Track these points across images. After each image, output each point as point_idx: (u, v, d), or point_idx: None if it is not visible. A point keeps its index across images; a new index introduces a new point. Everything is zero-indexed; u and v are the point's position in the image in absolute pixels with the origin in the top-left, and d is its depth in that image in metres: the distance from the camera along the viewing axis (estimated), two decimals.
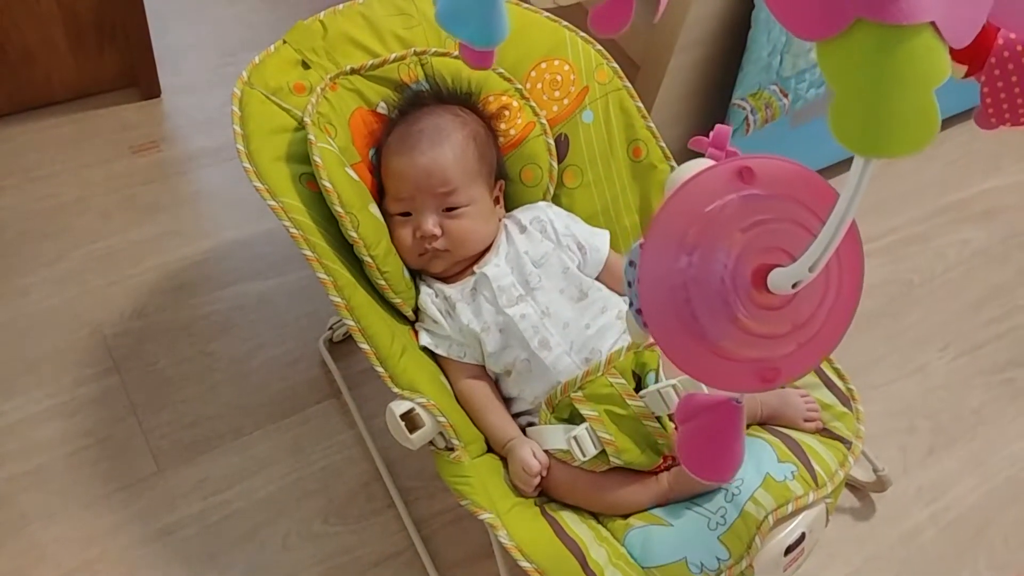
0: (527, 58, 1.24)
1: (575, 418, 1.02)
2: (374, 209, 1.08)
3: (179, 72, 1.73)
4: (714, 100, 1.50)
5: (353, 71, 1.15)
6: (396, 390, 1.00)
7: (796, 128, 1.57)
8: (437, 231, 1.08)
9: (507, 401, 1.09)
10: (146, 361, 1.36)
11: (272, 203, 1.02)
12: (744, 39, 1.39)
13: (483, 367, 1.09)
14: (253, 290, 1.46)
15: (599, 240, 1.15)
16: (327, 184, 1.02)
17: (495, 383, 1.10)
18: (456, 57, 1.21)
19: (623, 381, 1.00)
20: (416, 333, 1.11)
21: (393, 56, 1.18)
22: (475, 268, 1.11)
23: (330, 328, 1.40)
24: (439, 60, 1.20)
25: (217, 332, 1.41)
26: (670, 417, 0.98)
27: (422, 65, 1.20)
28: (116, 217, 1.51)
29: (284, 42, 1.16)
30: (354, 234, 1.03)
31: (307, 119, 1.07)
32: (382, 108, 1.18)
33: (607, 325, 1.07)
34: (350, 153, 1.12)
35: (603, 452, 0.98)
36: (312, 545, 1.22)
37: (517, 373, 1.06)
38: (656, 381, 1.00)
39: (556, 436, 1.00)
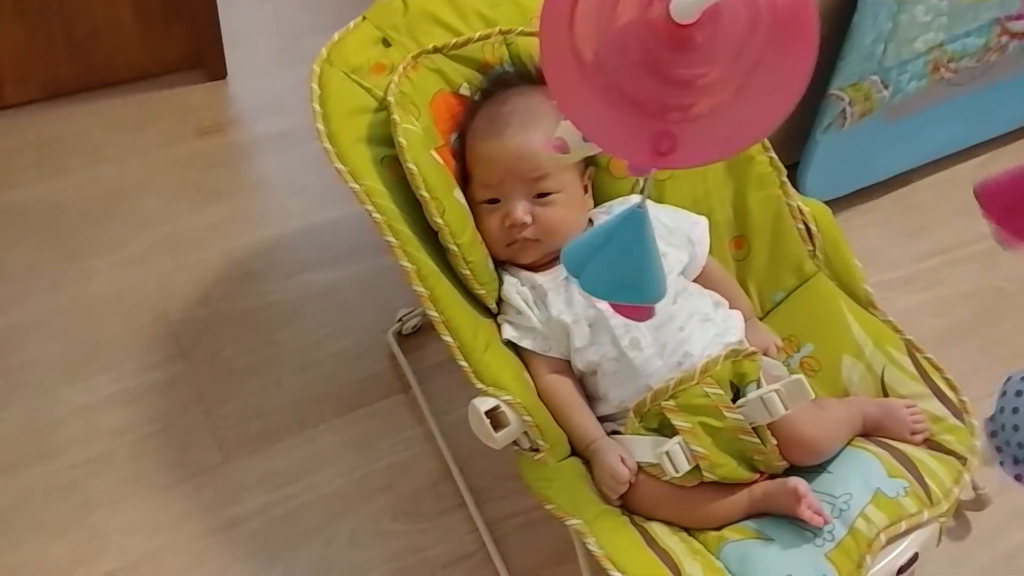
0: None
1: (664, 428, 0.96)
2: (458, 195, 1.03)
3: (245, 53, 1.69)
4: (808, 90, 1.41)
5: (436, 50, 1.10)
6: (480, 386, 0.95)
7: (894, 123, 1.50)
8: (527, 219, 1.03)
9: (590, 401, 1.03)
10: (212, 349, 1.32)
11: (354, 186, 0.97)
12: (845, 25, 1.31)
13: (568, 362, 1.03)
14: (319, 280, 1.42)
15: (701, 230, 1.09)
16: (412, 167, 0.97)
17: (578, 382, 1.04)
18: None
19: (720, 391, 0.94)
20: (499, 327, 1.05)
21: (478, 35, 1.12)
22: None
23: (399, 320, 1.36)
24: (525, 40, 1.15)
25: (283, 322, 1.37)
26: (769, 428, 0.92)
27: (507, 45, 1.14)
28: (180, 201, 1.48)
29: (364, 19, 1.11)
30: (439, 220, 0.98)
31: (390, 98, 1.02)
32: (465, 90, 1.13)
33: (699, 329, 1.01)
34: (432, 136, 1.06)
35: (695, 467, 0.92)
36: (380, 543, 1.18)
37: (604, 373, 1.00)
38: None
39: (645, 449, 0.94)
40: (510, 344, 1.04)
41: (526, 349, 1.03)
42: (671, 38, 0.45)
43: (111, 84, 1.59)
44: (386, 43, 1.10)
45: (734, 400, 0.94)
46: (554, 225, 1.04)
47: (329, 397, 1.30)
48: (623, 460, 0.94)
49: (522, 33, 1.15)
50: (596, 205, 1.12)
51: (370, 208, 0.96)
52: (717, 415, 0.93)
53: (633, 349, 0.99)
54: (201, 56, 1.62)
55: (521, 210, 1.03)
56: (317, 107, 1.02)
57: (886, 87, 1.41)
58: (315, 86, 1.03)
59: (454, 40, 1.12)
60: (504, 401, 0.94)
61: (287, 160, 1.56)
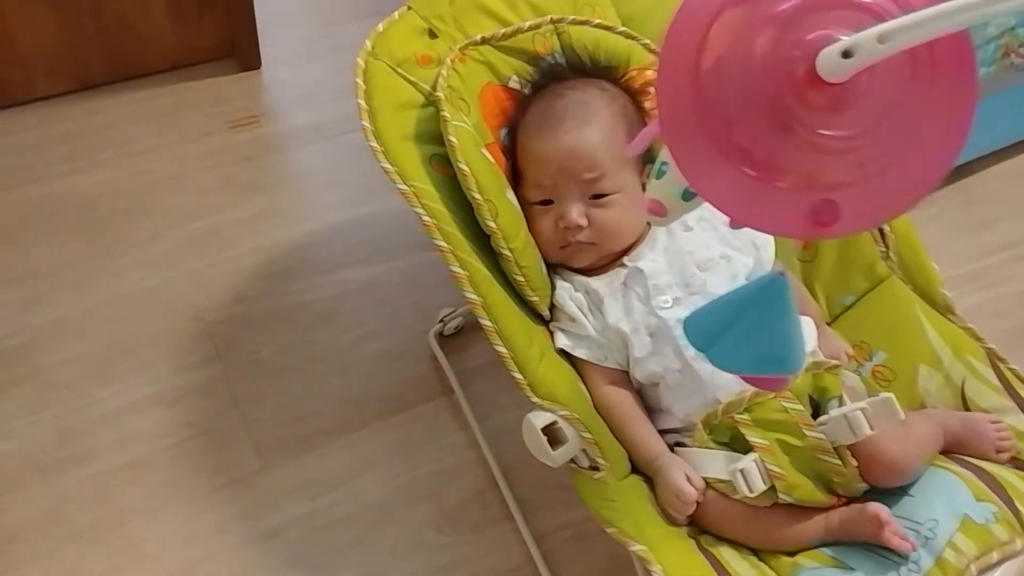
0: None
1: (736, 442, 0.90)
2: (511, 196, 0.98)
3: (278, 43, 1.64)
4: None
5: (483, 40, 1.05)
6: (535, 400, 0.90)
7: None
8: (583, 221, 0.97)
9: (651, 414, 0.97)
10: (248, 350, 1.28)
11: (403, 187, 0.92)
12: None
13: (626, 373, 0.98)
14: (357, 277, 1.37)
15: (767, 239, 1.03)
16: (464, 167, 0.92)
17: (637, 394, 0.99)
18: (597, 26, 1.09)
19: (799, 407, 0.88)
20: (551, 334, 1.00)
21: (527, 24, 1.07)
22: (625, 261, 0.99)
23: (441, 321, 1.31)
24: (577, 29, 1.09)
25: (320, 321, 1.32)
26: (850, 449, 0.86)
27: (559, 35, 1.08)
28: (213, 196, 1.43)
29: (408, 8, 1.05)
30: (492, 224, 0.92)
31: (439, 93, 0.96)
32: (514, 83, 1.07)
33: None
34: (482, 132, 1.01)
35: (771, 487, 0.86)
36: (424, 554, 1.13)
37: (667, 385, 0.94)
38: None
39: (716, 464, 0.89)
40: (563, 353, 0.99)
41: (581, 358, 0.98)
42: (823, 98, 0.39)
43: (142, 75, 1.54)
44: (432, 34, 1.05)
45: (813, 416, 0.88)
46: (611, 228, 0.98)
47: (369, 400, 1.25)
48: (689, 479, 0.89)
49: (574, 22, 1.10)
50: None
51: (420, 211, 0.91)
52: (796, 432, 0.87)
53: (700, 360, 0.93)
54: (234, 45, 1.57)
55: (576, 212, 0.97)
56: (363, 103, 0.97)
57: None
58: (360, 80, 0.98)
59: (502, 30, 1.06)
60: (562, 416, 0.88)
61: (322, 153, 1.51)
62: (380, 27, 1.03)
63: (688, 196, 0.52)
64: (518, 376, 0.90)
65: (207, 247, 1.37)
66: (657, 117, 0.45)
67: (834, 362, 0.93)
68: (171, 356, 1.26)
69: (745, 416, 0.89)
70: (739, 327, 0.55)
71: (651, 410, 0.97)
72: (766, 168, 0.40)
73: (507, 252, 0.93)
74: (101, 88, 1.52)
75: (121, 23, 1.45)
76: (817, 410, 0.90)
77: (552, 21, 1.08)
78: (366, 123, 0.96)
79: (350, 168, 1.49)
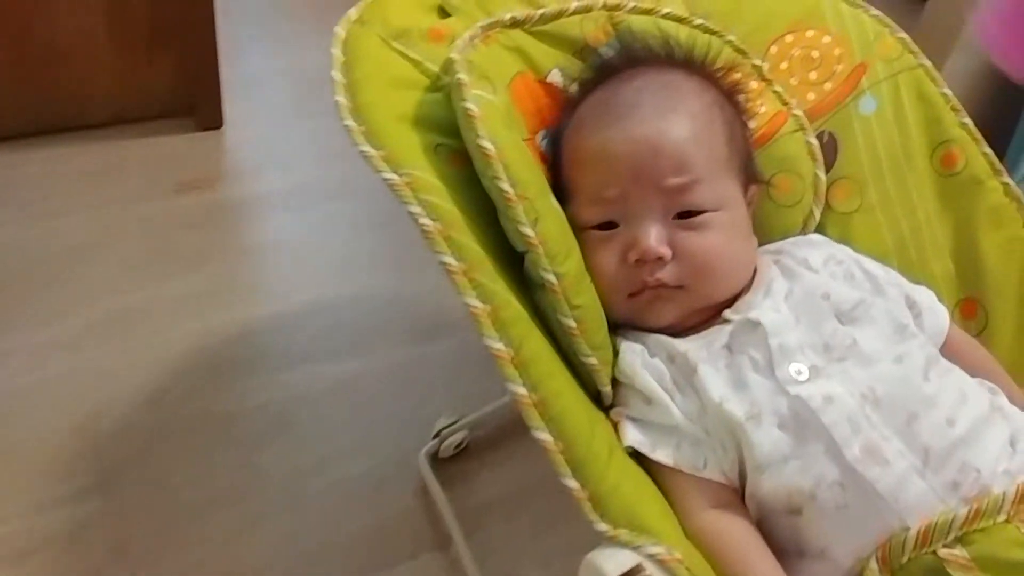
0: (764, 28, 0.83)
1: None
2: (556, 204, 0.64)
3: (248, 100, 1.35)
4: (997, 131, 1.05)
5: (515, 23, 0.74)
6: (603, 528, 0.52)
7: None
8: (665, 251, 0.63)
9: (785, 560, 0.59)
10: (152, 475, 0.90)
11: (390, 176, 0.59)
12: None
13: (737, 491, 0.60)
14: (327, 374, 1.01)
15: (931, 298, 0.69)
16: (487, 145, 0.59)
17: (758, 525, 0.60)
18: (666, 16, 0.80)
19: None
20: (614, 425, 0.63)
21: (574, 6, 0.77)
22: (728, 314, 0.64)
23: (436, 436, 0.93)
24: (641, 20, 0.79)
25: (269, 434, 0.95)
26: None
27: (614, 26, 0.78)
28: (142, 268, 1.09)
29: None
30: (530, 233, 0.58)
31: (453, 55, 0.65)
32: (555, 77, 0.76)
33: (982, 421, 0.59)
34: (515, 121, 0.68)
35: None
36: None
37: (818, 511, 0.57)
38: None
39: None
40: (636, 456, 0.61)
41: (663, 465, 0.60)
42: None
43: (74, 128, 1.24)
44: (444, 13, 0.75)
45: None
46: (711, 259, 0.64)
47: (330, 553, 0.86)
48: None
49: (635, 10, 0.80)
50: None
51: (416, 209, 0.57)
52: None
53: (871, 463, 0.56)
54: (192, 95, 1.27)
55: (654, 236, 0.63)
56: (338, 75, 0.65)
57: None
58: (337, 51, 0.67)
59: (541, 11, 0.76)
60: (654, 558, 0.51)
61: (291, 223, 1.19)
62: None
63: None
64: (572, 484, 0.53)
65: (124, 331, 1.02)
66: None
67: None
68: (37, 482, 0.88)
69: (959, 551, 0.52)
70: None
71: (784, 554, 0.59)
72: None
73: (552, 278, 0.58)
74: (24, 139, 1.21)
75: (50, 52, 1.16)
76: None
77: (606, 7, 0.79)
78: (341, 98, 0.64)
79: (324, 242, 1.16)
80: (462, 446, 0.94)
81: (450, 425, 0.93)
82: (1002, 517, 0.52)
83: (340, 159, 1.27)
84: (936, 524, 0.53)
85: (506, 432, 0.97)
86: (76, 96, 1.21)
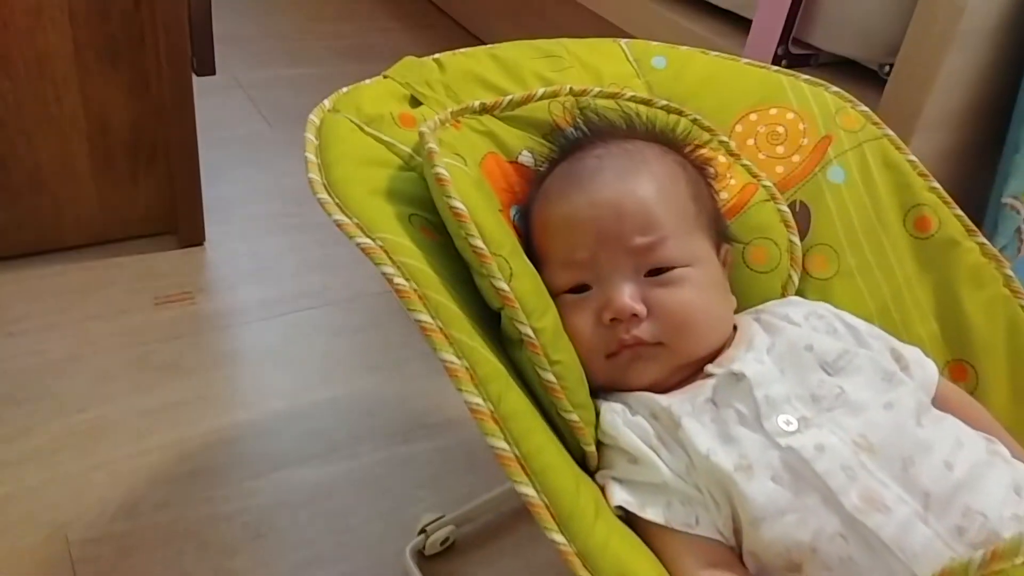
0: (727, 109, 0.86)
1: None
2: (530, 264, 0.63)
3: (228, 217, 1.36)
4: (970, 203, 1.07)
5: (484, 109, 0.77)
6: None
7: None
8: (639, 307, 0.62)
9: None
10: None
11: (363, 241, 0.58)
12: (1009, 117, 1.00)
13: (733, 549, 0.57)
14: (306, 479, 0.97)
15: (918, 352, 0.68)
16: (458, 205, 0.59)
17: None
18: (631, 99, 0.82)
19: None
20: (601, 489, 0.60)
21: (541, 91, 0.79)
22: (711, 368, 0.63)
23: (422, 532, 0.89)
24: (606, 103, 0.81)
25: (247, 540, 0.90)
26: None
27: (581, 109, 0.80)
28: (118, 381, 1.07)
29: (385, 76, 0.79)
30: (505, 287, 0.57)
31: (423, 129, 0.66)
32: (525, 159, 0.77)
33: (983, 465, 0.57)
34: (487, 193, 0.69)
35: None
36: None
37: (823, 565, 0.53)
38: None
39: None
40: (626, 521, 0.58)
41: (653, 524, 0.57)
42: None
43: (52, 250, 1.24)
44: (415, 101, 0.77)
45: None
46: (686, 314, 0.63)
47: None
48: None
49: (601, 95, 0.82)
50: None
51: (390, 270, 0.56)
52: None
53: (871, 511, 0.53)
54: (174, 219, 1.29)
55: (629, 294, 0.63)
56: (312, 156, 0.67)
57: None
58: (311, 135, 0.69)
59: (509, 97, 0.78)
60: None
61: (270, 332, 1.17)
62: (345, 89, 0.75)
63: None
64: (558, 539, 0.50)
65: (96, 443, 0.98)
66: None
67: None
68: None
69: None
70: None
71: None
72: None
73: (530, 332, 0.57)
74: (4, 261, 1.21)
75: (32, 178, 1.18)
76: None
77: (572, 92, 0.81)
78: (314, 175, 0.64)
79: (304, 348, 1.15)
80: (448, 543, 0.90)
81: (435, 521, 0.89)
82: (1020, 560, 0.50)
83: (318, 271, 1.28)
84: (954, 570, 0.50)
85: (492, 528, 0.92)
86: (59, 219, 1.22)
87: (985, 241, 0.78)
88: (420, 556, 0.88)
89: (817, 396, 0.60)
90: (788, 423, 0.58)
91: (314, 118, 0.71)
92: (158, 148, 1.24)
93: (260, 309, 1.20)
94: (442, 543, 0.89)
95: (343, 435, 1.03)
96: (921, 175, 0.81)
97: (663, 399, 0.61)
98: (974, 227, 0.78)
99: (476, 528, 0.92)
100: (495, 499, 0.93)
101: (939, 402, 0.65)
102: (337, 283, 1.26)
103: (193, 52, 1.16)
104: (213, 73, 1.18)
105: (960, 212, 0.79)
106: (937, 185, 0.80)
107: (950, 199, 0.79)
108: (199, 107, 1.20)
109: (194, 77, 1.18)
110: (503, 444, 0.52)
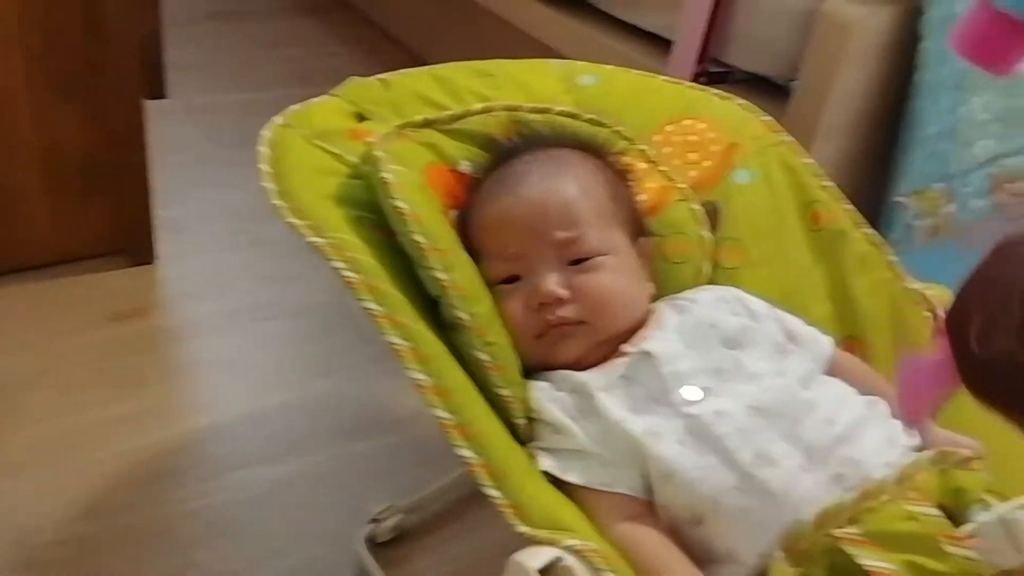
0: (647, 122, 0.94)
1: (839, 573, 0.56)
2: (468, 256, 0.71)
3: (181, 235, 1.41)
4: (867, 201, 1.17)
5: (427, 123, 0.84)
6: (524, 529, 0.56)
7: (970, 252, 1.23)
8: (562, 292, 0.70)
9: (697, 566, 0.63)
10: None
11: (315, 240, 0.65)
12: (899, 124, 1.11)
13: (649, 503, 0.65)
14: (264, 477, 1.03)
15: (812, 331, 0.77)
16: (401, 205, 0.66)
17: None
18: (560, 113, 0.90)
19: (936, 512, 0.57)
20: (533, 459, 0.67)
21: (479, 107, 0.87)
22: (625, 348, 0.71)
23: (373, 520, 0.95)
24: (539, 118, 0.89)
25: (207, 535, 0.95)
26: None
27: (514, 122, 0.88)
28: (82, 393, 1.11)
29: (332, 95, 0.86)
30: (444, 277, 0.65)
31: (372, 139, 0.74)
32: (465, 167, 0.85)
33: (861, 420, 0.66)
34: (430, 196, 0.76)
35: None
36: None
37: (722, 515, 0.62)
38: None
39: None
40: (554, 484, 0.66)
41: (576, 486, 0.65)
42: None
43: (15, 271, 1.28)
44: (362, 117, 0.85)
45: None
46: (604, 296, 0.71)
47: None
48: None
49: (533, 110, 0.90)
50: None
51: (340, 264, 0.63)
52: (934, 550, 0.55)
53: (763, 465, 0.62)
54: (127, 240, 1.33)
55: (553, 281, 0.70)
56: (266, 167, 0.73)
57: (951, 200, 1.17)
58: (265, 148, 0.75)
59: (449, 112, 0.86)
60: (571, 549, 0.55)
61: (227, 342, 1.23)
62: (297, 106, 0.82)
63: None
64: (494, 493, 0.58)
65: (60, 452, 1.02)
66: None
67: (967, 452, 0.63)
68: None
69: (853, 530, 0.57)
70: None
71: (698, 562, 0.63)
72: None
73: (466, 317, 0.65)
74: None
75: None
76: (953, 522, 0.59)
77: (506, 108, 0.89)
78: (270, 184, 0.71)
79: (260, 355, 1.21)
80: (400, 529, 0.96)
81: (386, 509, 0.95)
82: (885, 498, 0.58)
83: (270, 284, 1.33)
84: (828, 510, 0.59)
85: (441, 515, 0.99)
86: (14, 242, 1.26)
87: (872, 231, 0.88)
88: (372, 543, 0.94)
89: (719, 368, 0.68)
90: (693, 393, 0.66)
91: (267, 132, 0.78)
92: (111, 172, 1.28)
93: (215, 322, 1.25)
94: (393, 530, 0.95)
95: (299, 435, 1.08)
96: (815, 175, 0.90)
97: (582, 375, 0.69)
98: (863, 220, 0.88)
99: (426, 516, 0.98)
100: (443, 488, 0.99)
101: (835, 370, 0.74)
102: (289, 296, 1.32)
103: (145, 77, 1.21)
104: (164, 97, 1.23)
105: (851, 207, 0.89)
106: (831, 184, 0.90)
107: (842, 196, 0.89)
108: (153, 131, 1.26)
109: (148, 103, 1.23)
110: (446, 414, 0.59)
